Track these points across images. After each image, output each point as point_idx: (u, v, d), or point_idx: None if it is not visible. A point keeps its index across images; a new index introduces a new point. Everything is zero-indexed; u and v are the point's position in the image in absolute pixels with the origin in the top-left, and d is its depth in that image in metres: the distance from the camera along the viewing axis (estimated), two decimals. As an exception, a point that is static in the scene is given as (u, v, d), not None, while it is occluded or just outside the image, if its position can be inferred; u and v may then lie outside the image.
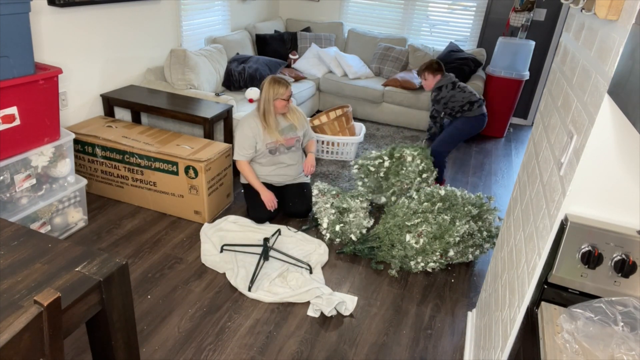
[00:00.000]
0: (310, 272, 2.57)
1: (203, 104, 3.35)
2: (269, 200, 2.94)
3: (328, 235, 2.88)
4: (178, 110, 3.20)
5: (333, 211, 2.89)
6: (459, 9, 5.18)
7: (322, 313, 2.32)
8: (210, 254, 2.67)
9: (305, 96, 4.67)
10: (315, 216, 3.03)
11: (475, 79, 4.71)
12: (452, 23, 5.27)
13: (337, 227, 2.82)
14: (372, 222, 3.02)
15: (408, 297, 2.51)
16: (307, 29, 5.45)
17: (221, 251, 2.68)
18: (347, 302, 2.35)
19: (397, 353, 2.15)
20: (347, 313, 2.33)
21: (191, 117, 3.18)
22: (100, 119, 3.27)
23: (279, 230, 2.90)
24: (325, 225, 2.88)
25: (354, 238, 2.83)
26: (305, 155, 3.20)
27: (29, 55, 2.25)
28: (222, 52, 4.24)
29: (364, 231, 2.88)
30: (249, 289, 2.41)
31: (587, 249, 1.14)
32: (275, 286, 2.46)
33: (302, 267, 2.59)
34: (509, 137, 5.06)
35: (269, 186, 3.05)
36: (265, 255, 2.63)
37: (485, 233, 2.74)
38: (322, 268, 2.66)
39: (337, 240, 2.88)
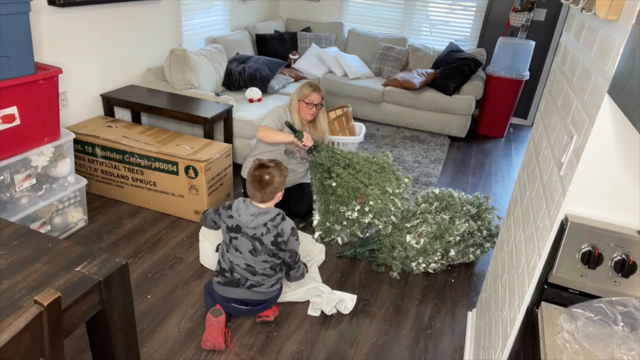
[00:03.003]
0: (307, 271, 2.57)
1: (203, 104, 3.35)
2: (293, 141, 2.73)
3: (317, 233, 2.87)
4: (178, 110, 3.19)
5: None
6: (459, 9, 5.18)
7: (322, 312, 2.32)
8: (208, 254, 2.66)
9: (305, 96, 4.67)
10: (312, 212, 3.04)
11: (475, 79, 4.71)
12: (452, 23, 5.26)
13: (327, 224, 2.81)
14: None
15: (408, 297, 2.51)
16: (307, 29, 5.45)
17: (217, 250, 2.68)
18: (347, 301, 2.35)
19: (397, 353, 2.15)
20: (346, 311, 2.33)
21: (191, 117, 3.18)
22: (100, 119, 3.27)
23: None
24: (315, 222, 2.88)
25: (339, 242, 2.82)
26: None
27: (29, 55, 2.24)
28: (222, 52, 4.24)
29: (357, 233, 2.87)
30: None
31: (587, 249, 1.14)
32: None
33: (301, 267, 2.59)
34: (509, 137, 5.06)
35: None
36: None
37: (485, 232, 2.75)
38: (323, 268, 2.66)
39: (327, 239, 2.88)
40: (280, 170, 2.12)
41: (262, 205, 2.10)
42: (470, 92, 4.61)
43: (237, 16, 4.95)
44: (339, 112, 4.12)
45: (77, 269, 1.29)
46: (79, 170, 3.09)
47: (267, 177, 2.06)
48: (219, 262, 2.20)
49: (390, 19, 5.48)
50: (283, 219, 2.11)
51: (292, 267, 2.24)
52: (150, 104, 3.25)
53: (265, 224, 2.06)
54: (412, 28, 5.41)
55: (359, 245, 2.81)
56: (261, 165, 2.10)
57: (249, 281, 2.13)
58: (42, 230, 2.58)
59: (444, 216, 2.62)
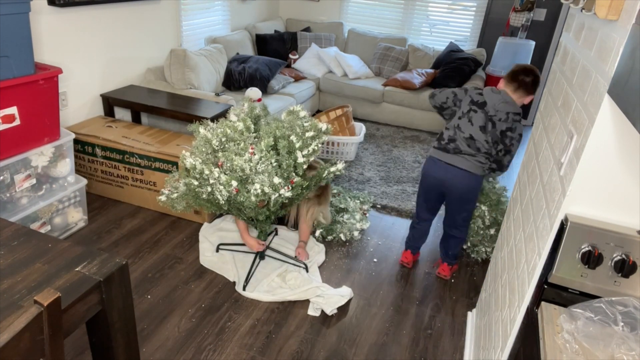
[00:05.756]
0: (307, 271, 2.57)
1: (203, 104, 3.35)
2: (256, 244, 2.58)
3: (319, 232, 2.88)
4: (178, 110, 3.19)
5: (329, 209, 2.90)
6: (459, 9, 5.18)
7: (322, 312, 2.32)
8: (207, 254, 2.67)
9: (305, 96, 4.67)
10: None
11: (475, 79, 4.71)
12: (452, 23, 5.26)
13: (328, 224, 2.83)
14: (368, 224, 3.02)
15: (408, 297, 2.51)
16: (307, 29, 5.45)
17: (217, 251, 2.68)
18: (345, 295, 2.37)
19: (397, 353, 2.15)
20: (343, 301, 2.34)
21: (191, 117, 3.17)
22: (100, 119, 3.27)
23: (275, 230, 2.90)
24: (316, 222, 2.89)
25: (343, 238, 2.83)
26: None
27: (29, 55, 2.24)
28: (222, 52, 4.24)
29: (356, 233, 2.88)
30: (244, 288, 2.41)
31: (587, 249, 1.14)
32: (275, 286, 2.46)
33: (299, 267, 2.60)
34: (509, 137, 5.05)
35: None
36: (260, 255, 2.63)
37: (492, 230, 2.76)
38: (323, 268, 2.66)
39: (329, 238, 2.88)
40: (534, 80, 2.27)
41: (513, 95, 2.27)
42: (470, 92, 4.60)
43: (237, 16, 4.95)
44: (339, 112, 4.12)
45: (77, 269, 1.29)
46: (79, 170, 3.09)
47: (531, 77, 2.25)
48: (445, 129, 2.37)
49: (390, 19, 5.48)
50: (520, 121, 2.28)
51: (510, 151, 2.28)
52: (150, 104, 3.25)
53: (507, 113, 2.23)
54: (412, 28, 5.41)
55: None
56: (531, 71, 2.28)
57: (460, 149, 2.29)
58: (42, 231, 2.58)
59: None
